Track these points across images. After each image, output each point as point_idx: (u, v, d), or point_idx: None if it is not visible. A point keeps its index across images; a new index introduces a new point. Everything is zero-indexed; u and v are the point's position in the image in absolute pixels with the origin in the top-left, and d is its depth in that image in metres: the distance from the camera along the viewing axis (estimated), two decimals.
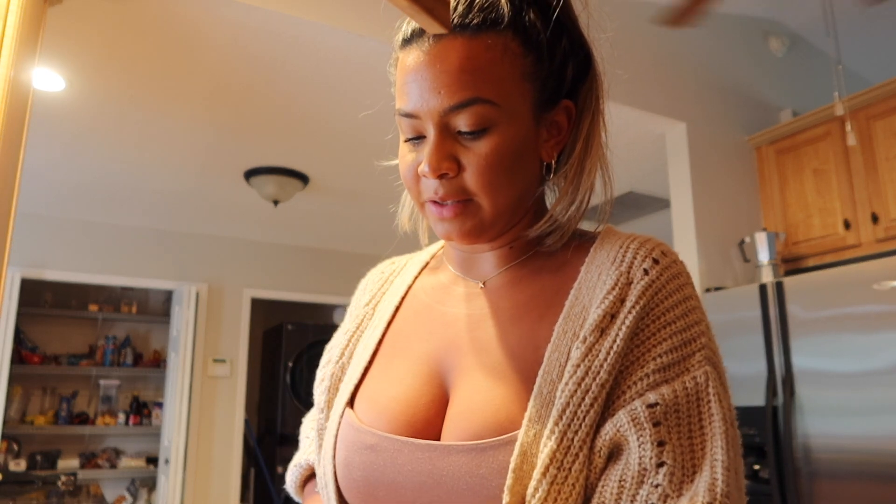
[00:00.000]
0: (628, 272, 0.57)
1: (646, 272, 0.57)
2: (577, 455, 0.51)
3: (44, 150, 3.47)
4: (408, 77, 0.59)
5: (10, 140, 1.39)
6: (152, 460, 5.19)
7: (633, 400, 0.52)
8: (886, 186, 2.63)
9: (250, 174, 3.78)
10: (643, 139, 3.28)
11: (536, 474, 0.51)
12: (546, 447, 0.51)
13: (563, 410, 0.52)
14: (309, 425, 0.80)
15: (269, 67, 2.66)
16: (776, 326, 2.45)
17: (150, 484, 5.22)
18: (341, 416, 0.64)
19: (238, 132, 3.29)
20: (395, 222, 0.73)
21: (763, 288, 2.52)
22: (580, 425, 0.52)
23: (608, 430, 0.52)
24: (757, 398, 2.47)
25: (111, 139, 3.35)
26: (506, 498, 0.51)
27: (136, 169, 3.75)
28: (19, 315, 4.59)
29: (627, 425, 0.51)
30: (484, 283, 0.66)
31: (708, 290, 2.78)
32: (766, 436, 2.39)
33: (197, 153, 3.54)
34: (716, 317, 2.69)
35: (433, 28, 0.56)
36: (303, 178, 3.84)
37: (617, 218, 4.55)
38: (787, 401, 2.36)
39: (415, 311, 0.69)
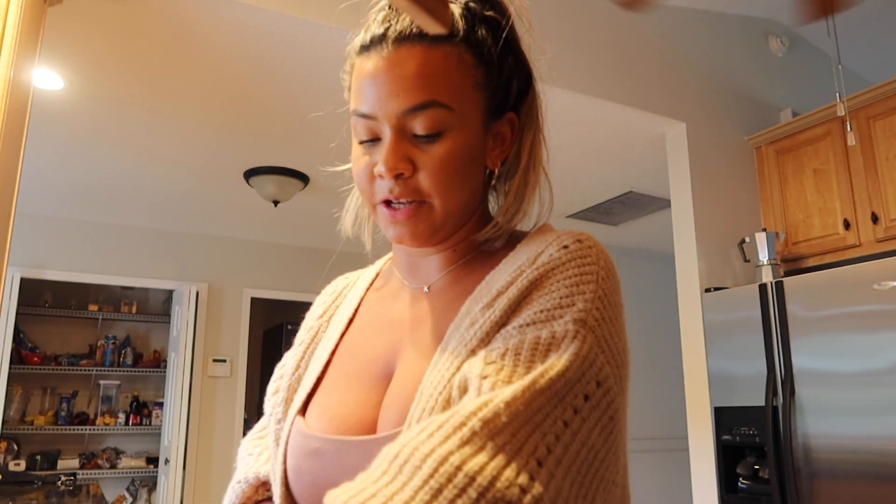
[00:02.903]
0: (536, 257, 0.59)
1: (551, 255, 0.58)
2: (434, 414, 0.52)
3: (44, 150, 3.47)
4: (365, 81, 0.62)
5: (10, 140, 1.39)
6: (152, 460, 5.19)
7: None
8: (886, 186, 2.63)
9: (250, 174, 3.78)
10: (643, 139, 3.28)
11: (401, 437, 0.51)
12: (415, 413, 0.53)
13: (434, 375, 0.54)
14: (248, 445, 0.79)
15: (269, 67, 2.66)
16: (776, 326, 2.45)
17: (150, 484, 5.22)
18: (292, 425, 0.66)
19: (238, 132, 3.29)
20: (337, 227, 0.74)
21: (763, 288, 2.52)
22: (444, 387, 0.53)
23: (456, 380, 0.53)
24: (757, 398, 2.47)
25: (111, 139, 3.35)
26: None
27: (136, 169, 3.75)
28: (19, 315, 4.59)
29: (467, 368, 0.52)
30: (428, 287, 0.68)
31: (708, 290, 2.78)
32: (766, 436, 2.39)
33: (197, 153, 3.54)
34: (716, 317, 2.69)
35: (433, 28, 0.56)
36: (303, 178, 3.84)
37: (617, 218, 4.55)
38: (787, 401, 2.36)
39: (367, 321, 0.72)
